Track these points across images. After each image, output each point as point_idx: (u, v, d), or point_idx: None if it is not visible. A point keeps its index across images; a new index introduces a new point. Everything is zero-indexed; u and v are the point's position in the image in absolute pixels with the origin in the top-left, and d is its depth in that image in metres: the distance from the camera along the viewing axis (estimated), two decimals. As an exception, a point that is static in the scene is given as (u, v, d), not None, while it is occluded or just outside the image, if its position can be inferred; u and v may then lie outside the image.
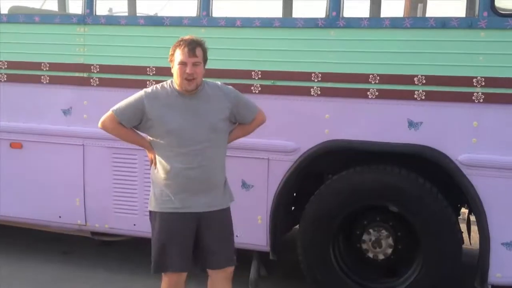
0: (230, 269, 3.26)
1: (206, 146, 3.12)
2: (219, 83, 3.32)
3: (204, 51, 3.16)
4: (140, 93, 3.20)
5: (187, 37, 3.16)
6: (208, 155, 3.13)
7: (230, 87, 3.33)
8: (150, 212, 3.23)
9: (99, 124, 3.27)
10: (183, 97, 3.14)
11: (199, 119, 3.13)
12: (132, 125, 3.21)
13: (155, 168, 3.18)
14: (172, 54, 3.15)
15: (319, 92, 3.89)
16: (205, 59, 3.18)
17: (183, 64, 3.08)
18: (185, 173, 3.09)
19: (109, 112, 3.22)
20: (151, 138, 3.21)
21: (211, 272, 3.25)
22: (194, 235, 3.18)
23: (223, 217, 3.24)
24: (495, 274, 3.68)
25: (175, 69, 3.12)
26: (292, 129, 3.98)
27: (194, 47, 3.10)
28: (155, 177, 3.20)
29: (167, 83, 3.22)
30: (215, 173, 3.18)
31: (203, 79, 3.21)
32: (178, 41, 3.15)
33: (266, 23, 3.97)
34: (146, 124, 3.17)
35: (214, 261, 3.21)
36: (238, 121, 3.31)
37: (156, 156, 3.18)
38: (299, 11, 4.88)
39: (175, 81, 3.16)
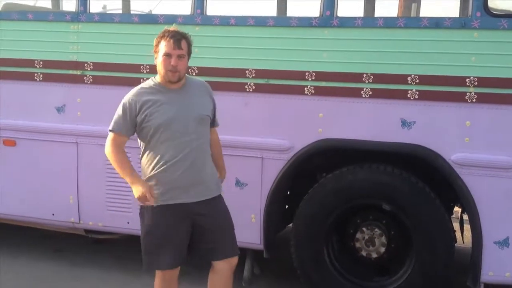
0: (235, 261, 3.26)
1: (193, 138, 3.13)
2: (201, 79, 3.36)
3: (189, 45, 3.17)
4: (126, 98, 3.16)
5: (171, 28, 3.15)
6: (196, 147, 3.14)
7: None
8: (141, 207, 3.22)
9: (105, 152, 3.20)
10: (169, 91, 3.15)
11: (186, 111, 3.13)
12: (132, 132, 3.18)
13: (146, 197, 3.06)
14: (157, 45, 3.13)
15: (313, 91, 3.89)
16: (189, 53, 3.18)
17: (167, 55, 3.08)
18: (174, 166, 3.10)
19: (109, 134, 3.19)
20: (141, 141, 3.21)
21: (217, 263, 3.22)
22: (189, 229, 3.18)
23: (218, 206, 3.24)
24: (488, 273, 3.70)
25: (159, 61, 3.11)
26: (286, 128, 3.98)
27: (179, 39, 3.10)
28: (145, 172, 3.19)
29: (147, 82, 3.22)
30: (203, 165, 3.19)
31: (186, 75, 3.23)
32: (163, 32, 3.13)
33: (260, 22, 3.97)
34: (138, 124, 3.14)
35: (219, 251, 3.20)
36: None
37: (148, 151, 3.16)
38: (293, 10, 4.89)
39: (159, 71, 3.15)
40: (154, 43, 3.15)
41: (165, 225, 3.14)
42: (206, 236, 3.19)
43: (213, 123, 3.36)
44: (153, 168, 3.14)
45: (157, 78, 3.19)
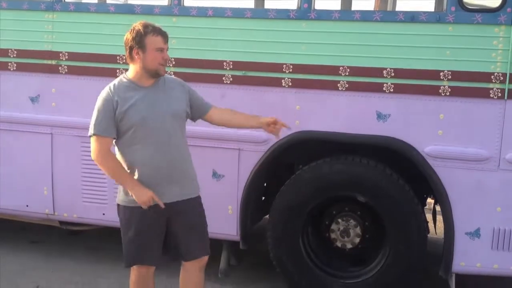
0: (204, 260, 3.26)
1: (172, 135, 3.10)
2: (172, 76, 3.32)
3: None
4: (103, 96, 3.06)
5: (151, 23, 3.11)
6: (174, 144, 3.12)
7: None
8: (119, 205, 3.18)
9: (94, 159, 3.07)
10: (142, 89, 3.10)
11: (162, 108, 3.09)
12: (115, 132, 3.05)
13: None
14: (140, 41, 3.04)
15: (290, 84, 3.91)
16: None
17: (160, 50, 3.07)
18: (154, 164, 3.06)
19: (92, 139, 3.05)
20: (119, 141, 3.11)
21: (186, 263, 3.24)
22: (165, 228, 3.17)
23: (195, 205, 3.23)
24: (459, 263, 3.79)
25: (150, 56, 3.05)
26: (263, 120, 3.99)
27: (165, 33, 3.12)
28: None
29: (118, 80, 3.13)
30: (182, 162, 3.17)
31: None
32: (145, 27, 3.06)
33: (238, 14, 3.97)
34: (118, 119, 3.05)
35: (189, 251, 3.20)
36: (193, 114, 3.28)
37: (124, 151, 3.10)
38: (271, 2, 4.89)
39: (145, 66, 3.06)
40: (136, 38, 3.04)
41: (145, 223, 3.10)
42: (178, 235, 3.17)
43: (204, 107, 3.29)
44: (130, 170, 3.08)
45: (129, 75, 3.13)
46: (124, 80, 3.13)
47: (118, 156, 3.12)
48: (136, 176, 3.07)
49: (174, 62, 4.03)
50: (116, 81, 3.15)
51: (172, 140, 3.11)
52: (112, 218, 4.01)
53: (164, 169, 3.08)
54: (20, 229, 5.21)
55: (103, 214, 4.37)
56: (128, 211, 3.13)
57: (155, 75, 3.11)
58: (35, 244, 5.07)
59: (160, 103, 3.10)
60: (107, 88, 3.10)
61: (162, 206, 3.04)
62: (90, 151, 3.09)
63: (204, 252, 3.25)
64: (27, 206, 4.54)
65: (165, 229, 3.17)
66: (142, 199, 3.00)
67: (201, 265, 3.25)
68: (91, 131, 3.07)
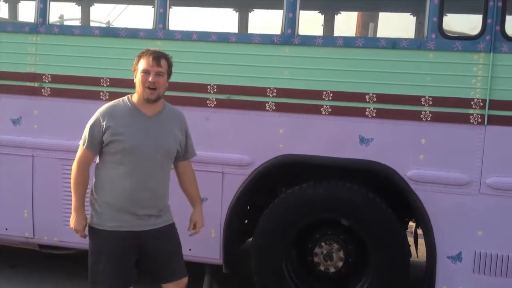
0: (184, 281, 3.25)
1: (158, 169, 3.12)
2: (179, 110, 3.32)
3: (169, 65, 3.16)
4: (95, 116, 3.09)
5: (156, 50, 3.16)
6: (158, 177, 3.13)
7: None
8: (90, 227, 3.15)
9: (73, 164, 3.16)
10: (142, 116, 3.10)
11: (156, 141, 3.10)
12: (97, 151, 3.10)
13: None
14: (136, 64, 3.11)
15: (274, 108, 3.94)
16: (169, 72, 3.16)
17: (146, 72, 3.05)
18: (133, 193, 3.05)
19: (80, 147, 3.13)
20: (101, 161, 3.13)
21: (166, 284, 3.22)
22: (136, 254, 3.13)
23: (170, 231, 3.22)
24: (441, 287, 3.80)
25: (138, 78, 3.08)
26: (247, 143, 4.01)
27: (159, 57, 3.09)
28: (101, 194, 3.11)
29: (123, 100, 3.15)
30: (162, 195, 3.18)
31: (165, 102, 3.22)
32: (143, 51, 3.13)
33: (223, 38, 4.01)
34: (104, 143, 3.06)
35: (169, 274, 3.19)
36: (179, 155, 3.28)
37: (105, 174, 3.09)
38: (255, 27, 4.96)
39: (137, 89, 3.10)
40: (134, 62, 3.11)
41: (114, 249, 3.06)
42: (154, 261, 3.17)
43: (186, 155, 3.31)
44: (110, 193, 3.06)
45: (133, 98, 3.14)
46: (129, 103, 3.13)
47: (100, 176, 3.11)
48: (114, 200, 3.06)
49: (158, 85, 4.03)
50: (121, 100, 3.16)
51: (158, 173, 3.12)
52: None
53: (141, 199, 3.07)
54: (0, 253, 5.11)
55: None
56: (96, 233, 3.11)
57: (146, 100, 3.08)
58: (15, 269, 4.98)
59: (156, 136, 3.10)
60: (103, 108, 3.12)
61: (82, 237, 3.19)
62: (71, 174, 3.13)
63: (183, 273, 3.25)
64: (6, 229, 4.46)
65: (138, 252, 3.13)
66: (74, 225, 3.17)
67: (182, 286, 3.24)
68: (81, 141, 3.14)
